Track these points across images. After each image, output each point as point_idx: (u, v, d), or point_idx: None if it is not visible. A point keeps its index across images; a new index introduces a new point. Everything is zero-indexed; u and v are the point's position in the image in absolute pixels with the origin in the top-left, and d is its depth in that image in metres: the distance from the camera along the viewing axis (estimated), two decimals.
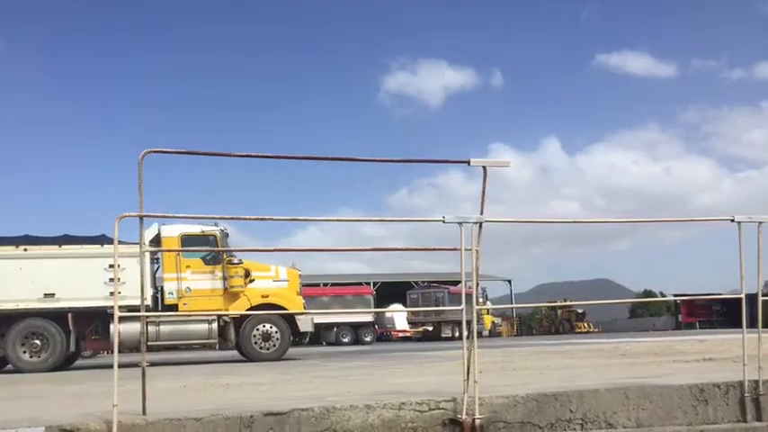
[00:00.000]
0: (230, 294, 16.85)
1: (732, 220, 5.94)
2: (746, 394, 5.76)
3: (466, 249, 5.36)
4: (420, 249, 6.56)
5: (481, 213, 5.43)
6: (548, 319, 62.31)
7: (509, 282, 64.22)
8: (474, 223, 5.38)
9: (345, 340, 38.98)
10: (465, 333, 5.65)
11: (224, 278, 16.86)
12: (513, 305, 65.89)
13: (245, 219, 5.91)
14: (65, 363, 16.31)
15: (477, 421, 5.17)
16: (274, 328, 16.83)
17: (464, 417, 5.20)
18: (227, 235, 17.28)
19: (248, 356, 16.67)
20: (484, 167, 5.48)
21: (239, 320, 16.74)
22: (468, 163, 5.47)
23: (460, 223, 5.34)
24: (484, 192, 5.48)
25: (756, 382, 5.81)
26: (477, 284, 5.82)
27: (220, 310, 16.66)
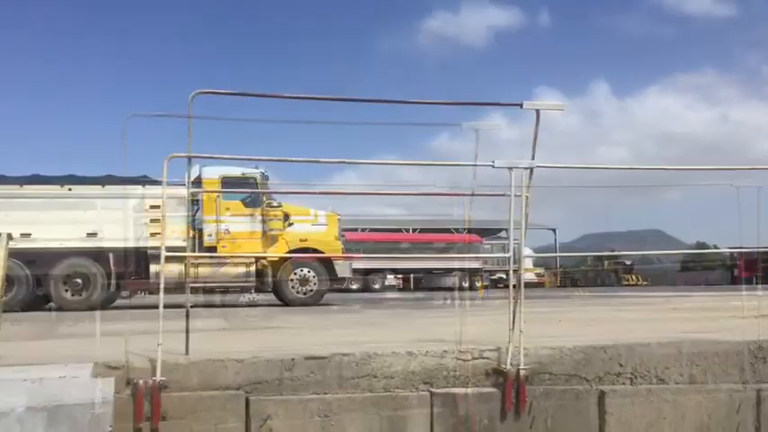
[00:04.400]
0: (269, 237, 16.82)
1: None
2: None
3: (516, 195, 5.18)
4: (467, 195, 6.37)
5: (532, 158, 5.23)
6: (593, 270, 61.20)
7: (554, 231, 62.69)
8: (525, 168, 5.19)
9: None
10: (511, 283, 5.51)
11: (263, 221, 16.80)
12: (558, 254, 64.24)
13: (289, 161, 5.79)
14: (105, 302, 16.53)
15: (522, 372, 5.04)
16: (312, 273, 16.81)
17: (508, 367, 5.08)
18: (267, 178, 17.16)
19: (285, 300, 16.71)
20: (537, 111, 5.27)
21: (277, 264, 16.77)
22: (521, 106, 5.26)
23: (510, 168, 5.16)
24: (536, 136, 5.29)
25: None
26: (526, 231, 5.61)
27: (258, 252, 16.68)
